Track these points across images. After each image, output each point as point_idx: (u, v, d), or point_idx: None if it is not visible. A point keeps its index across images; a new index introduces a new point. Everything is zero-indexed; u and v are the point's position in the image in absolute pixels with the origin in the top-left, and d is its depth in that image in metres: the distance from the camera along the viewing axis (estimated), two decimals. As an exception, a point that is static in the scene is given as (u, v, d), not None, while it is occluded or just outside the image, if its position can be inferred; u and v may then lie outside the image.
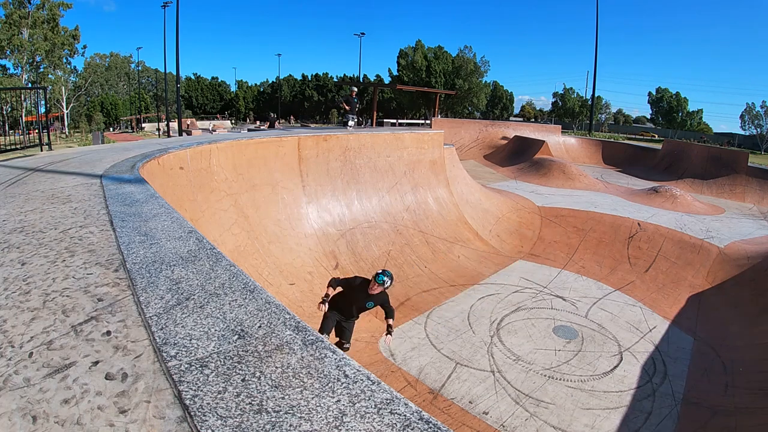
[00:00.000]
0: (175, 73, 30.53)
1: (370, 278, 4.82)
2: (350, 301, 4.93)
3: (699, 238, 10.85)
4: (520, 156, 22.65)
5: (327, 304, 4.79)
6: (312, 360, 1.20)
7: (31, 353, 1.22)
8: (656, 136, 48.56)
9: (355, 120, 13.19)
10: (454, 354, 6.48)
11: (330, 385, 1.09)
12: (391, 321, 4.92)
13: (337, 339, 5.18)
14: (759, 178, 18.40)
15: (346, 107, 13.01)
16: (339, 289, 4.98)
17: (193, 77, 66.55)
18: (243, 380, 1.10)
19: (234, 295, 1.58)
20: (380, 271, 4.77)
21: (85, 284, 1.68)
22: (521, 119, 67.15)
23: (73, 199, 3.15)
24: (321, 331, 4.84)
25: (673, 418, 5.44)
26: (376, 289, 4.72)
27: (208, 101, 66.51)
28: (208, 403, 1.01)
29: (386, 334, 4.87)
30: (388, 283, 4.70)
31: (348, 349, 5.19)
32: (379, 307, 4.94)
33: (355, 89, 13.29)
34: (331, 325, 4.96)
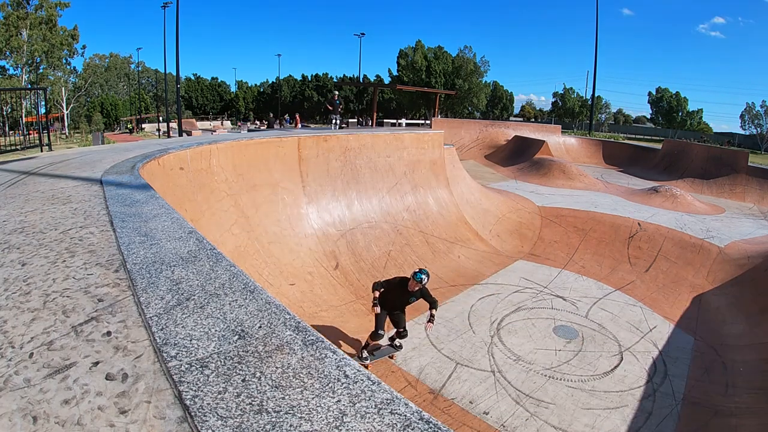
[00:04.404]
0: (175, 74, 30.50)
1: (409, 276, 5.51)
2: (394, 298, 5.71)
3: (699, 237, 10.85)
4: (520, 156, 22.64)
5: (378, 306, 5.58)
6: (312, 360, 1.20)
7: (32, 354, 1.22)
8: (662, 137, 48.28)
9: (339, 120, 14.44)
10: (455, 354, 6.47)
11: (330, 385, 1.09)
12: (434, 311, 5.62)
13: (395, 330, 6.03)
14: (759, 177, 18.38)
15: (329, 108, 14.49)
16: (382, 289, 5.71)
17: (192, 78, 66.43)
18: (243, 380, 1.10)
19: (234, 296, 1.58)
20: (418, 270, 5.48)
21: (86, 285, 1.68)
22: (521, 119, 67.03)
23: (73, 199, 3.15)
24: (376, 328, 5.70)
25: (674, 417, 5.44)
26: (414, 286, 5.43)
27: (208, 102, 66.42)
28: (209, 404, 1.01)
29: (428, 322, 5.65)
30: (425, 280, 5.40)
31: (406, 335, 6.05)
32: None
33: (337, 92, 15.19)
34: (383, 320, 5.74)
